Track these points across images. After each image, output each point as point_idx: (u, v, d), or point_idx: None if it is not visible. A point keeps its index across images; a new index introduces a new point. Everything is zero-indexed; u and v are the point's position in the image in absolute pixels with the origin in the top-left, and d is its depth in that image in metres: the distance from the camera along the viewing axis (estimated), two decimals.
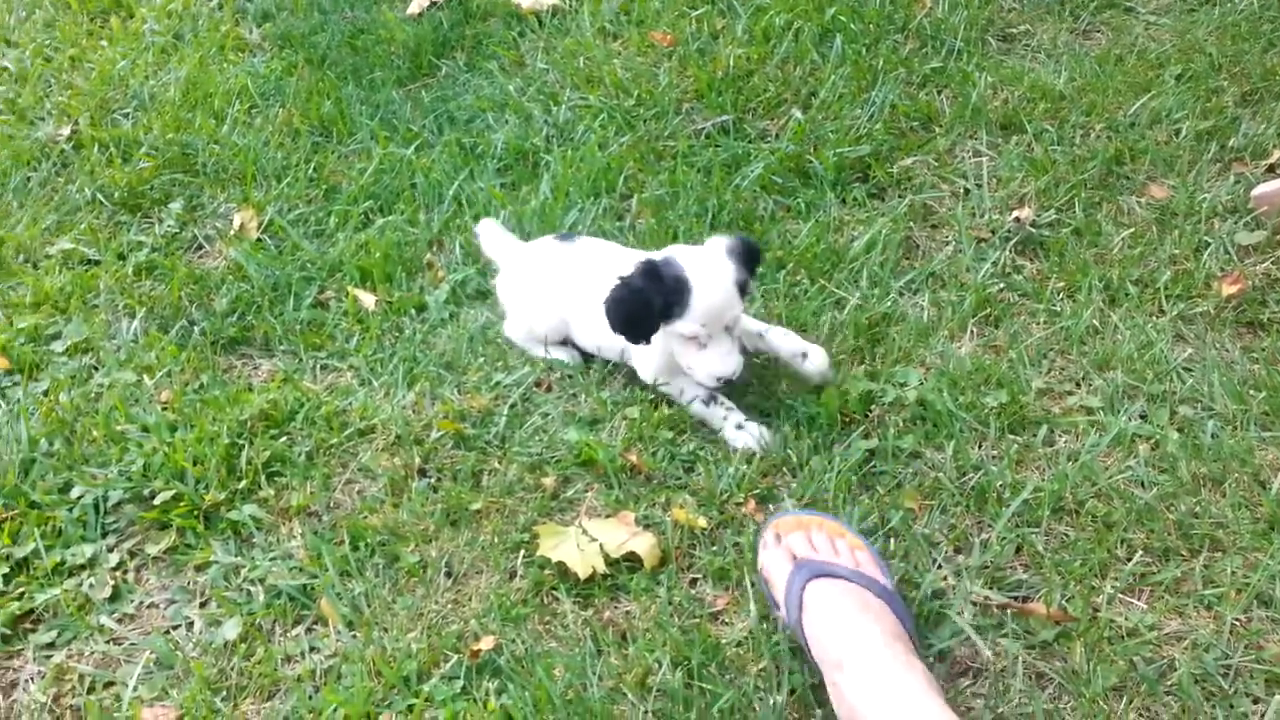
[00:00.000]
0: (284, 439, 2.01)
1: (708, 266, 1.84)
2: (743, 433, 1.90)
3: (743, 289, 1.88)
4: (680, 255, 1.86)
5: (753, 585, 1.67)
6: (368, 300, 2.35)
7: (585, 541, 1.74)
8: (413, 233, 2.53)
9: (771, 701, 1.50)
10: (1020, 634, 1.56)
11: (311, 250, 2.52)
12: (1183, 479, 1.76)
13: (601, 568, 1.71)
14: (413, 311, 2.32)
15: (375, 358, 2.20)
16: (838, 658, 1.42)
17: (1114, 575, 1.63)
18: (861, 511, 1.75)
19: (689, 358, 1.89)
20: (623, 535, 1.76)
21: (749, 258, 1.90)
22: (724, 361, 1.86)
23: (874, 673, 1.38)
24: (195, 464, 1.93)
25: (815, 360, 1.99)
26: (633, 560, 1.73)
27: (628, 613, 1.68)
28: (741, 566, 1.70)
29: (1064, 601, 1.59)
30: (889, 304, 2.22)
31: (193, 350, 2.25)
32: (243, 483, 1.91)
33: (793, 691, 1.52)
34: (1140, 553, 1.65)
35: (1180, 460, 1.79)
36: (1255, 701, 1.46)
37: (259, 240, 2.60)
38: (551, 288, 2.14)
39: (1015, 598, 1.62)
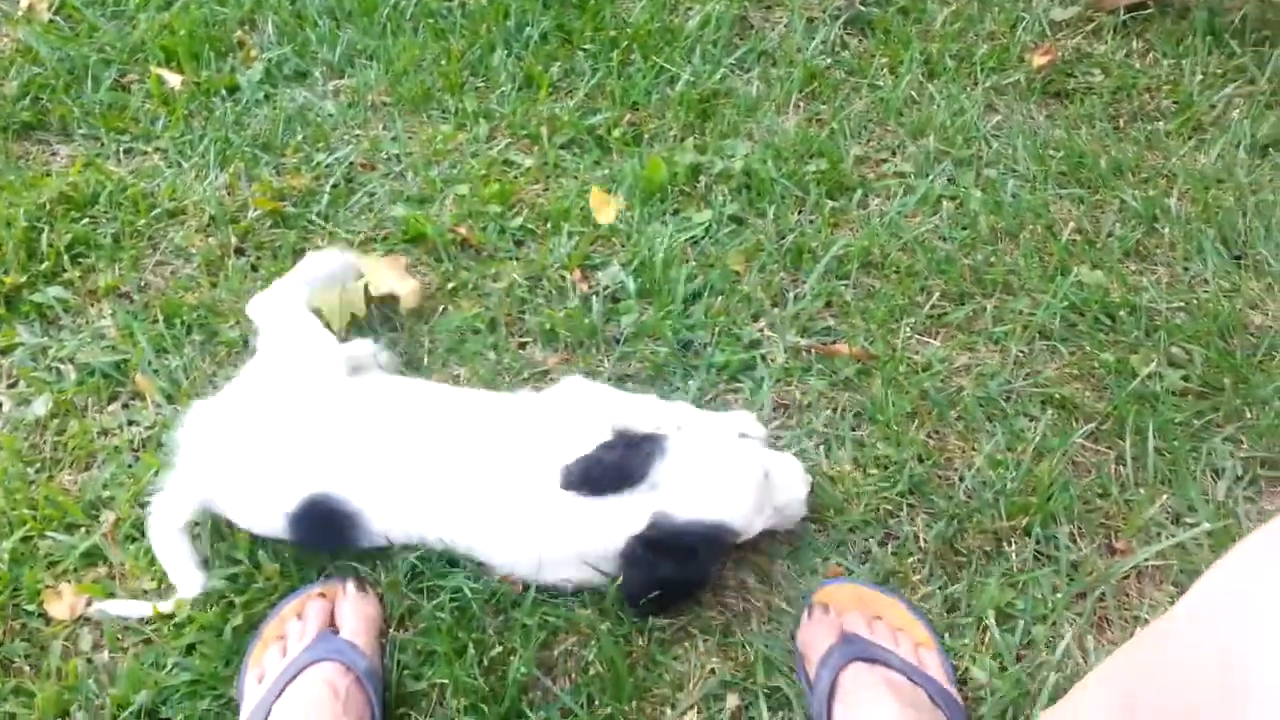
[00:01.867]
0: (87, 221, 1.90)
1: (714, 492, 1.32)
2: None
3: None
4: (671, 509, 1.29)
5: (582, 346, 1.71)
6: (173, 81, 2.20)
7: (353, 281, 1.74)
8: (221, 11, 2.36)
9: None
10: (826, 374, 1.66)
11: (110, 31, 2.32)
12: (981, 232, 1.87)
13: (360, 311, 1.71)
14: (224, 92, 2.19)
15: (184, 139, 2.08)
16: None
17: (912, 318, 1.73)
18: (687, 274, 1.79)
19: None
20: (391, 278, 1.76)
21: None
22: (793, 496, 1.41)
23: None
24: None
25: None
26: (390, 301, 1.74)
27: (456, 376, 1.69)
28: (571, 327, 1.73)
29: (866, 343, 1.69)
30: (720, 80, 2.21)
31: None
32: (45, 265, 1.81)
33: None
34: (937, 296, 1.76)
35: (981, 216, 1.89)
36: (1031, 420, 1.61)
37: (51, 21, 2.38)
38: None
39: (823, 342, 1.71)
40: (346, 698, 1.20)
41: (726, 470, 1.31)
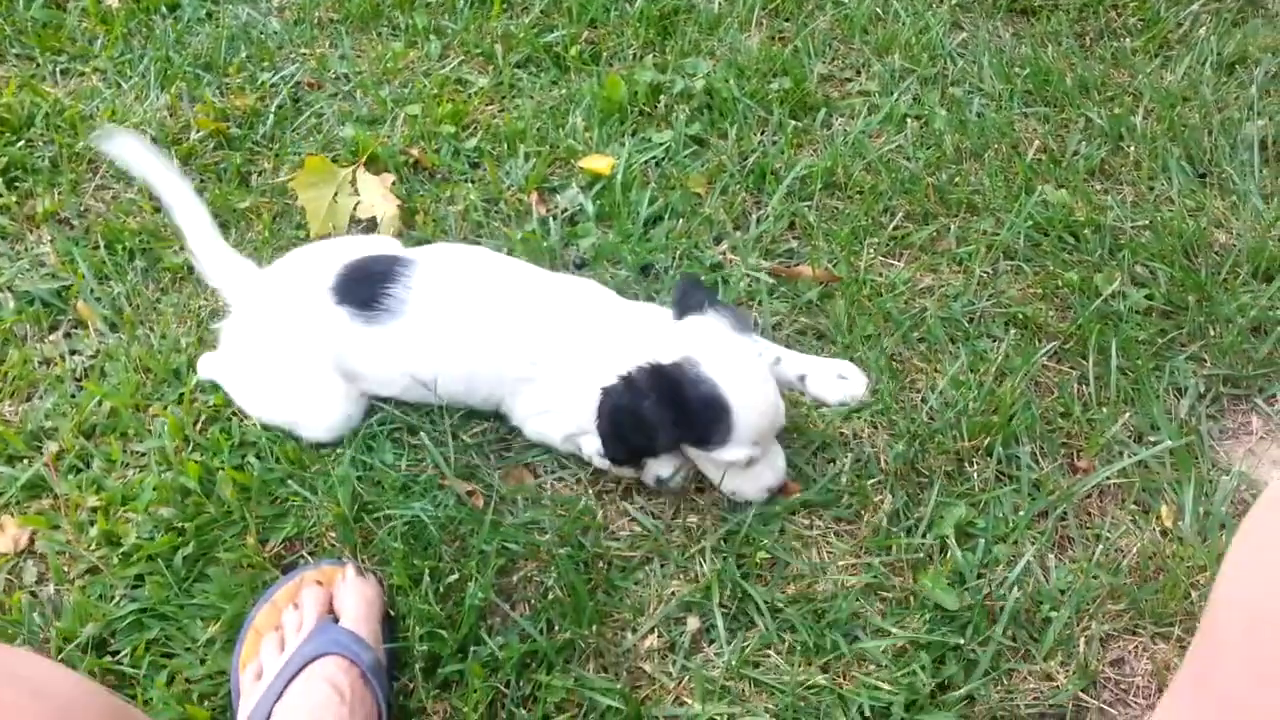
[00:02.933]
0: (23, 145, 1.82)
1: (741, 369, 1.30)
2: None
3: None
4: (704, 359, 1.28)
5: None
6: None
7: (345, 191, 1.73)
8: None
9: None
10: (789, 296, 1.63)
11: None
12: (946, 151, 1.83)
13: (341, 228, 1.72)
14: (164, 10, 2.09)
15: (123, 59, 1.99)
16: None
17: (875, 239, 1.71)
18: (648, 196, 1.75)
19: (730, 479, 1.37)
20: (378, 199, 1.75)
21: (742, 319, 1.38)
22: (775, 470, 1.37)
23: None
24: None
25: (855, 385, 1.52)
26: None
27: None
28: (530, 250, 1.69)
29: (829, 265, 1.67)
30: None
31: None
32: None
33: None
34: (901, 217, 1.73)
35: (946, 135, 1.86)
36: (994, 340, 1.59)
37: None
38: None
39: (785, 264, 1.68)
40: (352, 697, 1.11)
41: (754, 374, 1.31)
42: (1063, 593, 1.31)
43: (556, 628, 1.24)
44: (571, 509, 1.34)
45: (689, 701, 1.20)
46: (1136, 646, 1.29)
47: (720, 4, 2.14)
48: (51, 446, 1.41)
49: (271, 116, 1.88)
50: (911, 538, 1.37)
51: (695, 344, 1.30)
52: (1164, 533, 1.36)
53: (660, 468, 1.38)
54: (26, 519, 1.33)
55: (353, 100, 1.95)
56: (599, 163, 1.80)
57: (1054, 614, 1.29)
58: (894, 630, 1.26)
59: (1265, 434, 1.49)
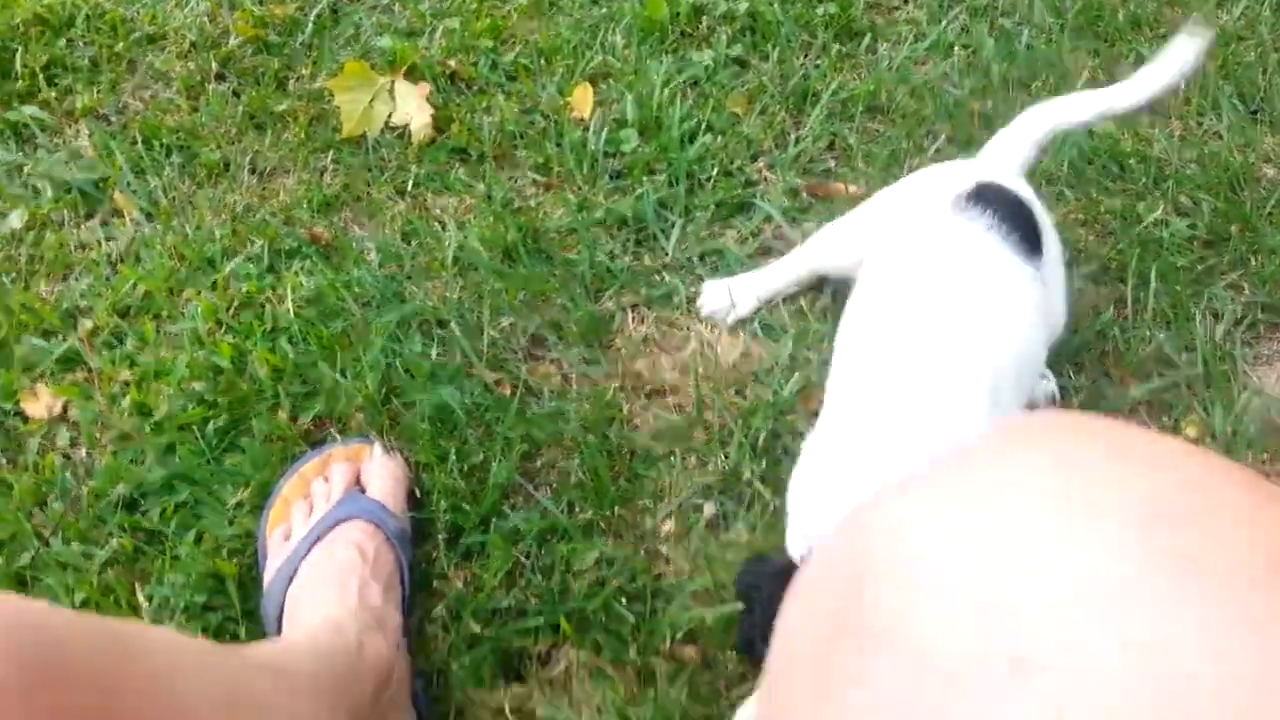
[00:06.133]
0: (63, 44, 1.83)
1: None
2: None
3: None
4: None
5: (572, 178, 1.66)
6: None
7: (382, 98, 1.73)
8: None
9: (580, 271, 1.53)
10: (825, 214, 1.61)
11: None
12: (993, 80, 1.80)
13: (374, 132, 1.71)
14: None
15: None
16: None
17: (916, 160, 1.68)
18: (684, 114, 1.73)
19: None
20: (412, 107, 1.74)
21: None
22: None
23: None
24: None
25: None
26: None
27: (443, 207, 1.65)
28: (564, 162, 1.68)
29: (866, 183, 1.65)
30: None
31: None
32: (19, 84, 1.75)
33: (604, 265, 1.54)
34: (943, 140, 1.71)
35: (993, 64, 1.82)
36: None
37: None
38: None
39: (822, 183, 1.66)
40: (375, 559, 1.13)
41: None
42: None
43: (578, 509, 1.24)
44: (598, 400, 1.34)
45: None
46: None
47: None
48: (86, 324, 1.43)
49: (310, 25, 1.88)
50: None
51: None
52: None
53: None
54: (60, 389, 1.34)
55: (391, 13, 1.94)
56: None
57: None
58: None
59: None
